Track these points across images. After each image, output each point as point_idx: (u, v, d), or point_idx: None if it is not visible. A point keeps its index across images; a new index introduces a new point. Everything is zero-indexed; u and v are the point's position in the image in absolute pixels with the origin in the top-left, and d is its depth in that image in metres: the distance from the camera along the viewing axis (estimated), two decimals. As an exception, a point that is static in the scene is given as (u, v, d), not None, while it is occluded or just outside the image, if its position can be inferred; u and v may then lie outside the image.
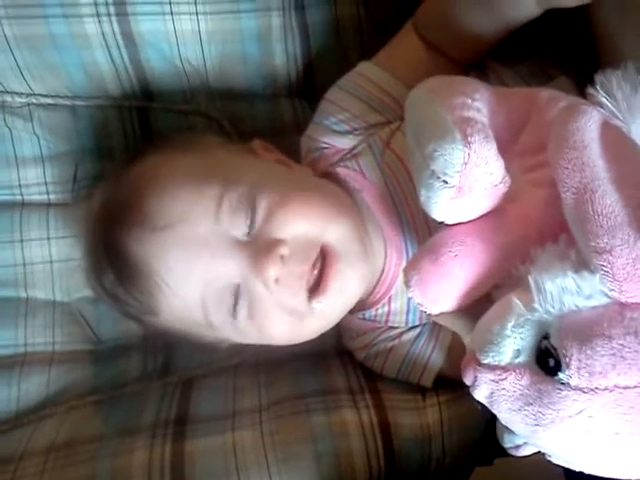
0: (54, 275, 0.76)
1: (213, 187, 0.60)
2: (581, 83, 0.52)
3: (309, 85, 0.79)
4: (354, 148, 0.67)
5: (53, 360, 0.75)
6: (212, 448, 0.63)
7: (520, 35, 0.65)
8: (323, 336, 0.67)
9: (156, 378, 0.75)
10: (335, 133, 0.68)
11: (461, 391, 0.64)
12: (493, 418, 0.62)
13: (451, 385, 0.66)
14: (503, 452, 0.66)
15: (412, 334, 0.66)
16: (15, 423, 0.71)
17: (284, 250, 0.58)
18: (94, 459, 0.64)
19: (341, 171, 0.67)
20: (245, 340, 0.66)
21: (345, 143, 0.68)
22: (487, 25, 0.64)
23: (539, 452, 0.63)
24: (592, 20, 0.62)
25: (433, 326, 0.66)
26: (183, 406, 0.69)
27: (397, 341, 0.67)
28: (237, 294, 0.60)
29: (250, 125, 0.78)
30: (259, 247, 0.59)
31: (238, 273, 0.59)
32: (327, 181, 0.67)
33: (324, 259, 0.60)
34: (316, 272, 0.60)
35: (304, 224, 0.60)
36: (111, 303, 0.67)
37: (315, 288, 0.60)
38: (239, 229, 0.59)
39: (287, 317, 0.61)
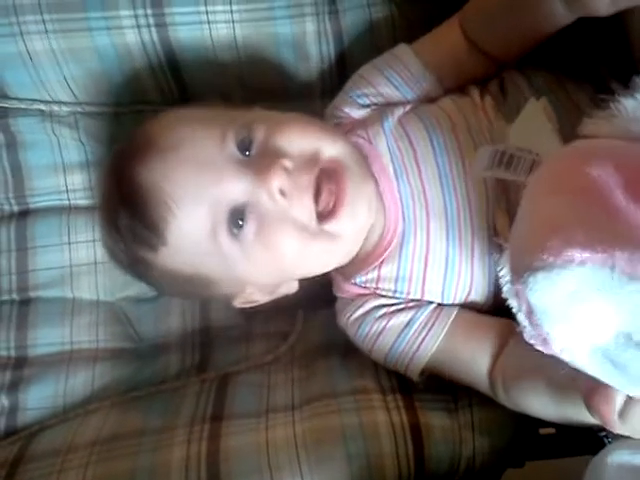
0: (98, 276, 0.80)
1: (219, 120, 0.64)
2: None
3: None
4: (367, 119, 0.70)
5: (97, 357, 0.77)
6: (246, 446, 0.64)
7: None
8: None
9: (194, 375, 0.76)
10: (356, 105, 0.71)
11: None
12: (524, 421, 0.62)
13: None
14: (534, 455, 0.66)
15: (404, 318, 0.66)
16: (63, 417, 0.73)
17: (287, 162, 0.61)
18: (135, 454, 0.65)
19: (351, 138, 0.69)
20: (252, 268, 0.66)
21: (361, 115, 0.71)
22: (525, 29, 0.65)
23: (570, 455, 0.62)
24: (628, 23, 0.60)
25: (430, 314, 0.66)
26: (219, 403, 0.70)
27: (389, 322, 0.66)
28: (245, 211, 0.62)
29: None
30: (263, 160, 0.62)
31: (244, 189, 0.62)
32: None
33: (335, 180, 0.62)
34: (326, 195, 0.62)
35: (304, 140, 0.63)
36: (124, 249, 0.67)
37: (327, 213, 0.63)
38: (243, 151, 0.63)
39: (296, 233, 0.62)
